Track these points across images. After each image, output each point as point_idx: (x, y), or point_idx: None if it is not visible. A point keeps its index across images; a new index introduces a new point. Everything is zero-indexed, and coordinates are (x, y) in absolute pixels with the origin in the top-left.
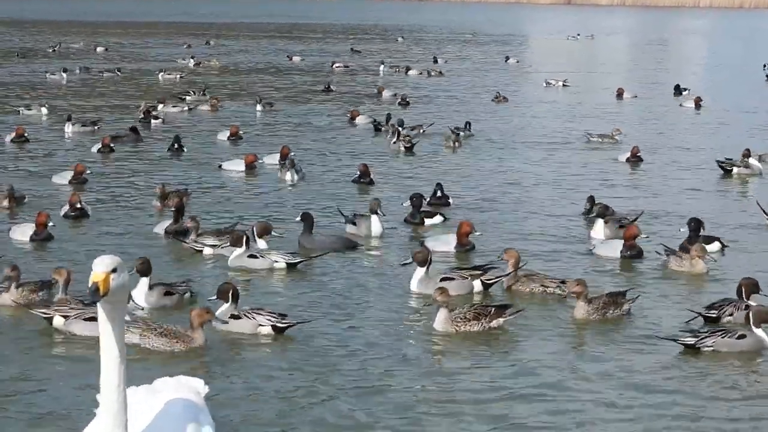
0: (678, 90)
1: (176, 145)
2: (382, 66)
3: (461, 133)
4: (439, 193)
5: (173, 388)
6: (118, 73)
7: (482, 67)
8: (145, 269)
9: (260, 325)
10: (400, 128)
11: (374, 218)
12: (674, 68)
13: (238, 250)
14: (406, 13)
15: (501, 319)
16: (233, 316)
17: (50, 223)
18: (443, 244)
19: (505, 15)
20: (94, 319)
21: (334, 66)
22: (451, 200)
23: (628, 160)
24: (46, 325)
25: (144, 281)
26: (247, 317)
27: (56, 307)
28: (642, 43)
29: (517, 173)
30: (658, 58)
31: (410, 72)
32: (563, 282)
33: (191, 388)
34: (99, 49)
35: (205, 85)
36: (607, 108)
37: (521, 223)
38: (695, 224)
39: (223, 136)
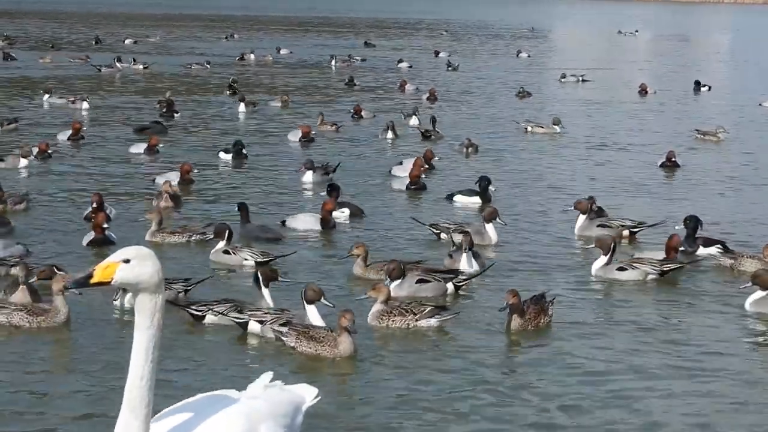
0: (697, 86)
1: (239, 151)
2: (333, 61)
3: (529, 126)
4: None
5: (256, 393)
6: (208, 65)
7: (495, 61)
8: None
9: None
10: (392, 122)
11: (489, 226)
12: (693, 64)
13: (220, 244)
14: (449, 7)
15: (433, 320)
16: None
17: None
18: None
19: (524, 10)
20: (289, 323)
21: (351, 60)
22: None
23: (662, 165)
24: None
25: None
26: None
27: (250, 312)
28: (661, 38)
29: (546, 174)
30: (676, 54)
31: (401, 64)
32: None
33: (295, 395)
34: (127, 41)
35: (232, 79)
36: (634, 104)
37: (549, 227)
38: (693, 223)
39: (294, 136)
